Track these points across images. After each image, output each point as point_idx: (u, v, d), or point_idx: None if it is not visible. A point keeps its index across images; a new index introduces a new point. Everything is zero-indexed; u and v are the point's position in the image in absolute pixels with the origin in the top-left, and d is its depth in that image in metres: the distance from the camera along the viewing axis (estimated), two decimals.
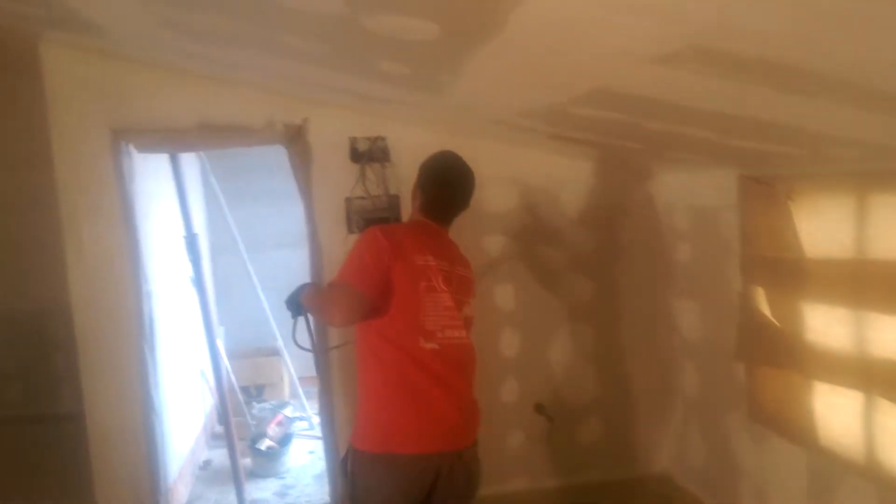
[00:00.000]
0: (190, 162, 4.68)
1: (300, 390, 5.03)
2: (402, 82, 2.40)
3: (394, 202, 3.42)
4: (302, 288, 2.47)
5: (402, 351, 2.06)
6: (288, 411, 4.78)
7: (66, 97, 3.21)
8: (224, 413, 3.88)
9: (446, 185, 2.27)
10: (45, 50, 3.15)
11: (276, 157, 4.90)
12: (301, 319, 2.51)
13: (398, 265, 2.06)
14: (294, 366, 5.14)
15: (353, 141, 3.39)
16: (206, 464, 4.43)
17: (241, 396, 4.81)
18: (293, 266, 5.50)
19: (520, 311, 3.59)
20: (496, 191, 3.48)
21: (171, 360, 3.84)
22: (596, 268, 3.68)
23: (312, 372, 3.49)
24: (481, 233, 3.50)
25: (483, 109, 2.72)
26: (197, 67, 3.18)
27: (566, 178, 3.60)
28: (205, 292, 3.82)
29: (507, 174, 3.51)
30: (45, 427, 4.95)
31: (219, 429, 4.89)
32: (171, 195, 3.77)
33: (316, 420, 4.89)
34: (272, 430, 4.42)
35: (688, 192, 3.52)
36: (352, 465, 2.10)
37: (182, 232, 3.78)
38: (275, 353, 5.15)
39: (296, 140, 3.33)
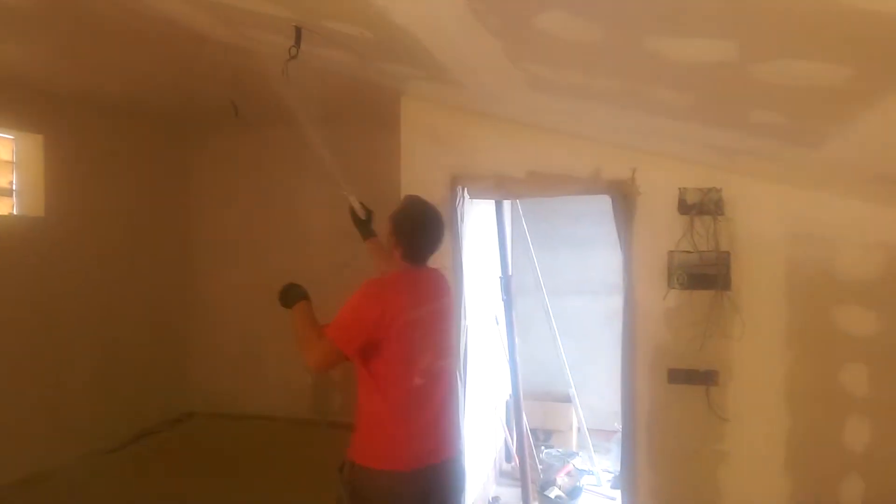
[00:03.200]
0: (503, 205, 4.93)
1: (590, 442, 4.90)
2: (768, 133, 2.20)
3: (723, 259, 3.17)
4: (295, 288, 2.54)
5: (397, 386, 2.31)
6: (577, 462, 4.68)
7: (417, 145, 3.60)
8: (521, 453, 3.92)
9: (423, 231, 2.41)
10: (405, 104, 3.58)
11: (585, 204, 4.97)
12: None
13: (394, 327, 2.25)
14: (586, 416, 5.04)
15: (683, 192, 3.23)
16: (495, 500, 4.51)
17: (531, 439, 4.84)
18: (592, 314, 5.47)
19: (873, 398, 3.04)
20: (855, 255, 3.01)
21: (474, 393, 4.01)
22: None
23: (605, 425, 3.36)
24: (832, 301, 3.06)
25: (867, 164, 2.36)
26: (530, 119, 3.33)
27: None
28: (513, 332, 3.93)
29: (872, 239, 3.02)
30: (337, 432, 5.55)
31: (506, 466, 4.98)
32: (487, 237, 3.99)
33: (605, 477, 4.72)
34: (561, 478, 4.35)
35: None
36: (351, 477, 2.32)
37: (497, 273, 3.96)
38: (566, 399, 5.10)
39: (621, 189, 3.28)
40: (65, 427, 4.43)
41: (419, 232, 2.40)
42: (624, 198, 3.29)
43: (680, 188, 3.23)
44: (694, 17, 1.43)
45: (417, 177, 3.59)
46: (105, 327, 4.84)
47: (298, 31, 2.35)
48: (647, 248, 3.29)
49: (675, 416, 3.26)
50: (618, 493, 4.02)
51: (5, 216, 4.31)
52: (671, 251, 3.24)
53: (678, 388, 3.24)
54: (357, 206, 3.01)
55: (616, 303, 4.77)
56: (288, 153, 5.65)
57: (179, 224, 5.70)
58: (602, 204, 4.03)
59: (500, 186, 3.50)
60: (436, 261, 3.51)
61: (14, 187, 4.40)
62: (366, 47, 2.52)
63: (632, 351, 3.34)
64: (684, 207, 3.22)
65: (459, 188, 3.52)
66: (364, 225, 3.01)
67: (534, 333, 5.35)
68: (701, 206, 3.19)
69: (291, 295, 2.51)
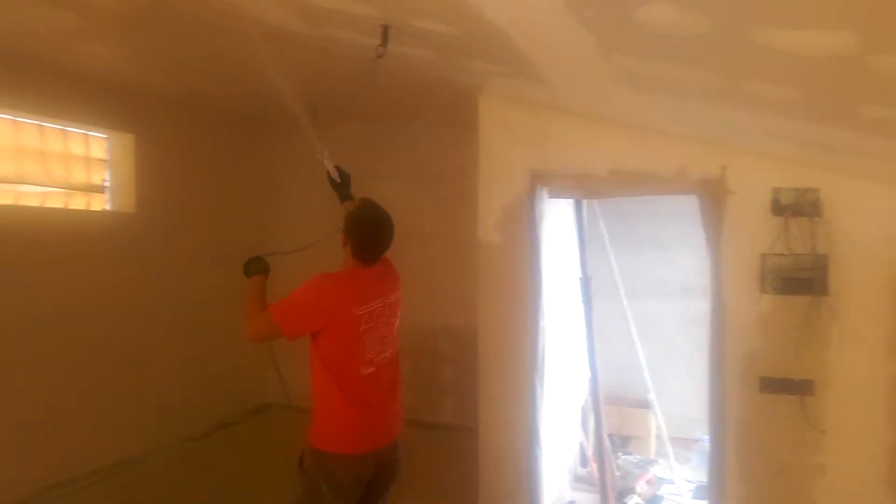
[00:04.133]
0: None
1: (670, 450, 4.74)
2: (879, 129, 2.05)
3: (821, 262, 2.99)
4: (258, 261, 2.77)
5: (345, 376, 2.50)
6: (656, 470, 4.54)
7: (495, 142, 3.55)
8: (600, 459, 3.83)
9: (372, 235, 2.60)
10: (484, 101, 3.54)
11: (665, 204, 4.81)
12: None
13: (337, 319, 2.46)
14: (666, 423, 4.88)
15: (777, 192, 3.06)
16: None
17: (608, 444, 4.73)
18: (672, 317, 5.30)
19: None
20: None
21: (551, 395, 3.94)
22: None
23: (684, 433, 3.24)
24: None
25: None
26: (614, 115, 3.24)
27: None
28: (592, 334, 3.84)
29: None
30: (426, 432, 5.57)
31: (581, 471, 4.88)
32: (565, 237, 3.91)
33: (685, 486, 4.56)
34: (640, 486, 4.24)
35: None
36: (308, 460, 2.54)
37: (576, 273, 3.88)
38: (645, 405, 4.96)
39: (710, 189, 3.15)
40: (151, 415, 4.61)
41: (368, 235, 2.59)
42: (713, 198, 3.15)
43: (774, 188, 3.06)
44: (813, 7, 1.34)
45: (495, 175, 3.55)
46: (191, 318, 5.01)
47: (385, 30, 2.34)
48: (738, 251, 3.14)
49: (766, 427, 3.11)
50: None
51: (99, 212, 4.52)
52: (764, 254, 3.08)
53: (770, 398, 3.08)
54: (331, 169, 3.09)
55: (698, 306, 4.63)
56: (362, 150, 5.72)
57: (260, 219, 5.85)
58: (683, 204, 3.90)
59: (580, 185, 3.42)
60: (512, 263, 3.49)
61: (107, 184, 4.61)
62: (452, 44, 2.50)
63: (720, 357, 3.20)
64: (778, 208, 3.06)
65: (538, 187, 3.46)
66: (340, 188, 3.11)
67: (611, 336, 5.22)
68: (796, 208, 3.02)
69: (252, 267, 2.76)
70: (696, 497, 4.33)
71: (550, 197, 3.53)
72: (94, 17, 2.97)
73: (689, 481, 4.59)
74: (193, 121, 5.11)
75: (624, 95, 2.60)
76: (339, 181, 3.10)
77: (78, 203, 4.38)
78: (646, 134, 3.28)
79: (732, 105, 2.35)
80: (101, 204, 4.57)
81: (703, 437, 4.75)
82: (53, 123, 4.14)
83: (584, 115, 3.36)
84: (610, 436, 5.00)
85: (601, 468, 3.84)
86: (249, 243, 5.69)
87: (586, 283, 3.82)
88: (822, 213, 2.99)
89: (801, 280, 3.01)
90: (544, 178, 3.45)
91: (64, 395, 4.03)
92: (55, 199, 4.19)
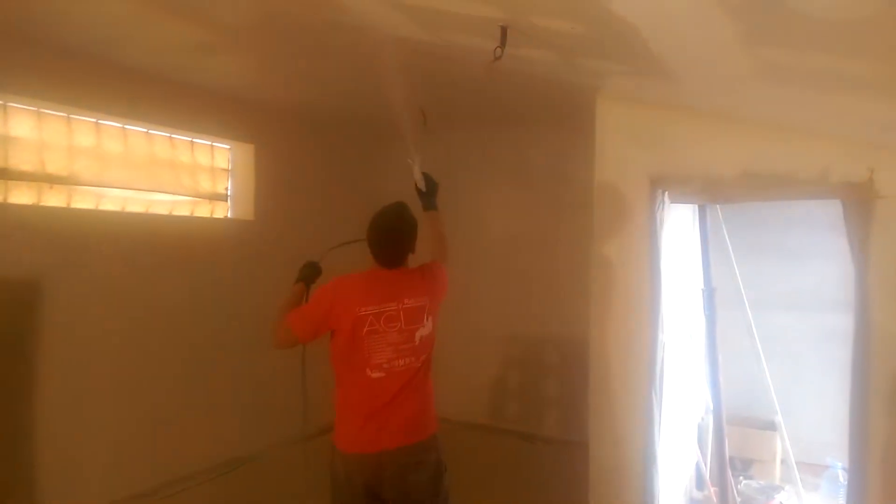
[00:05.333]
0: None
1: (797, 476, 4.37)
2: None
3: None
4: (307, 267, 2.87)
5: (352, 377, 2.55)
6: (782, 497, 4.20)
7: (612, 146, 3.40)
8: (722, 483, 3.58)
9: (379, 241, 2.60)
10: (601, 102, 3.41)
11: (797, 208, 4.46)
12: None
13: (342, 318, 2.49)
14: (793, 447, 4.51)
15: None
16: None
17: (729, 467, 4.43)
18: (802, 332, 4.90)
19: None
20: None
21: (668, 413, 3.73)
22: None
23: (813, 458, 2.96)
24: None
25: None
26: (746, 112, 3.02)
27: None
28: (715, 349, 3.61)
29: None
30: (529, 444, 5.45)
31: (696, 494, 4.59)
32: (687, 245, 3.69)
33: None
34: None
35: None
36: (331, 457, 2.59)
37: (698, 284, 3.65)
38: (770, 427, 4.60)
39: (856, 193, 2.86)
40: (259, 416, 4.76)
41: (376, 240, 2.60)
42: (859, 203, 2.86)
43: None
44: None
45: (612, 179, 3.40)
46: None
47: (504, 31, 2.29)
48: (888, 261, 2.83)
49: None
50: None
51: (223, 219, 4.74)
52: None
53: None
54: (418, 177, 3.01)
55: (832, 321, 4.24)
56: (470, 157, 5.69)
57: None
58: (815, 208, 3.58)
59: (706, 190, 3.21)
60: (629, 272, 3.32)
61: (229, 193, 4.83)
62: (572, 43, 2.40)
63: (865, 376, 2.90)
64: None
65: (659, 192, 3.28)
66: (424, 196, 3.05)
67: (733, 351, 4.89)
68: None
69: (302, 273, 2.85)
70: None
71: (672, 202, 3.33)
72: (222, 33, 3.11)
73: None
74: (309, 132, 5.28)
75: (761, 90, 2.41)
76: (423, 190, 3.05)
77: (203, 211, 4.61)
78: (781, 133, 3.02)
79: (887, 98, 2.11)
80: (223, 212, 4.79)
81: (835, 462, 4.35)
82: (182, 135, 4.38)
83: (711, 113, 3.15)
84: (731, 459, 4.69)
85: (722, 493, 3.58)
86: (356, 248, 5.82)
87: (710, 294, 3.58)
88: None
89: None
90: (665, 182, 3.26)
91: (188, 393, 4.24)
92: (182, 208, 4.42)
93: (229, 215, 4.80)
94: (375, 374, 2.54)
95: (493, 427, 5.75)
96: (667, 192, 3.27)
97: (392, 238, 2.63)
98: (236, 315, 4.54)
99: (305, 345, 2.63)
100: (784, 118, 2.91)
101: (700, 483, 4.57)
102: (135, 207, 4.06)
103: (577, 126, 3.79)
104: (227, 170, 4.80)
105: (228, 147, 4.80)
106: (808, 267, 4.81)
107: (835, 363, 3.23)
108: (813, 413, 4.69)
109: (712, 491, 4.28)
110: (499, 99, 3.95)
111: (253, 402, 4.71)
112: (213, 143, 4.65)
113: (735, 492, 4.32)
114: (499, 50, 2.33)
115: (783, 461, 4.63)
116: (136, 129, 4.05)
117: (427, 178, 3.08)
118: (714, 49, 1.97)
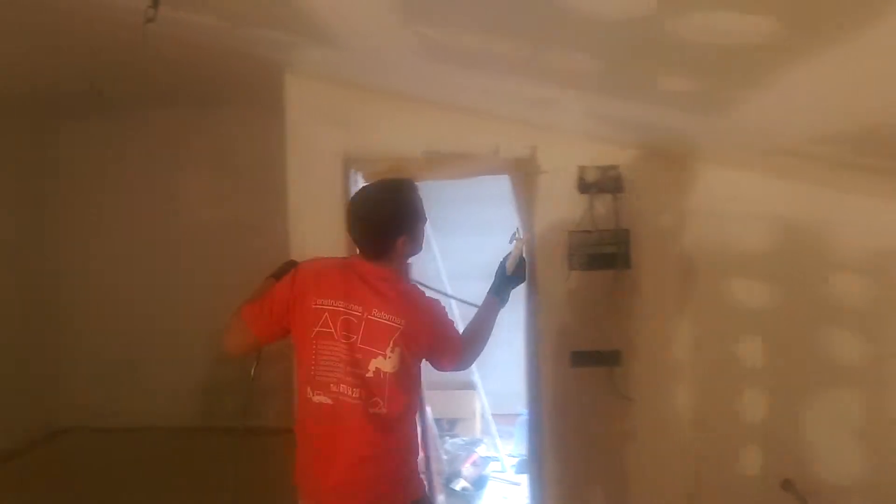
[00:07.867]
0: None
1: (493, 428, 4.83)
2: (673, 101, 2.12)
3: (622, 237, 3.12)
4: (286, 266, 2.41)
5: (300, 396, 2.03)
6: (482, 450, 4.59)
7: (304, 126, 3.30)
8: (425, 446, 3.76)
9: (352, 218, 2.16)
10: (290, 80, 3.28)
11: (491, 186, 4.86)
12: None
13: (296, 308, 2.02)
14: (490, 401, 4.96)
15: (582, 170, 3.15)
16: None
17: (435, 430, 4.70)
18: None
19: (769, 369, 3.10)
20: (749, 228, 3.04)
21: None
22: (871, 323, 3.06)
23: (507, 409, 3.28)
24: (726, 274, 3.08)
25: (766, 134, 2.34)
26: (425, 93, 3.14)
27: (837, 217, 3.02)
28: None
29: (764, 210, 3.04)
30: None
31: None
32: None
33: (509, 462, 4.65)
34: (467, 469, 4.25)
35: None
36: None
37: None
38: (469, 386, 5.01)
39: (521, 168, 3.16)
40: None
41: (349, 223, 2.18)
42: (524, 177, 3.18)
43: (580, 166, 3.15)
44: None
45: (306, 161, 3.31)
46: None
47: None
48: (548, 230, 3.20)
49: (579, 399, 3.21)
50: (523, 478, 3.96)
51: None
52: (571, 231, 3.16)
53: (582, 371, 3.18)
54: (514, 256, 2.66)
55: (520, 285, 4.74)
56: (162, 140, 5.14)
57: (41, 221, 5.07)
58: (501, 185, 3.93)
59: (395, 169, 3.27)
60: (326, 253, 3.27)
61: None
62: (233, 8, 2.23)
63: (534, 334, 3.26)
64: (584, 186, 3.15)
65: (352, 172, 3.28)
66: (504, 283, 2.66)
67: None
68: (600, 185, 3.13)
69: (279, 270, 2.37)
70: (519, 472, 4.43)
71: (368, 181, 3.36)
72: None
73: (513, 456, 4.70)
74: None
75: (431, 69, 2.50)
76: (509, 273, 2.62)
77: None
78: (459, 114, 3.22)
79: (536, 79, 2.32)
80: None
81: (523, 410, 4.91)
82: None
83: (396, 94, 3.23)
84: (437, 420, 4.99)
85: (427, 456, 3.78)
86: (27, 248, 4.94)
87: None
88: (624, 189, 3.12)
89: (605, 255, 3.12)
90: (358, 163, 3.28)
91: None
92: None
93: None
94: (318, 398, 1.97)
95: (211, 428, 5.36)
96: (360, 173, 3.28)
97: (363, 216, 2.13)
98: None
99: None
100: (460, 100, 3.09)
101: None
102: None
103: (277, 107, 3.61)
104: None
105: None
106: (496, 239, 5.30)
107: (521, 322, 3.57)
108: (505, 368, 5.19)
109: (423, 454, 4.50)
110: (176, 72, 3.56)
111: None
112: None
113: (441, 452, 4.61)
114: (150, 10, 2.05)
115: (482, 416, 5.08)
116: None
117: (521, 264, 2.63)
118: (373, 21, 1.96)
